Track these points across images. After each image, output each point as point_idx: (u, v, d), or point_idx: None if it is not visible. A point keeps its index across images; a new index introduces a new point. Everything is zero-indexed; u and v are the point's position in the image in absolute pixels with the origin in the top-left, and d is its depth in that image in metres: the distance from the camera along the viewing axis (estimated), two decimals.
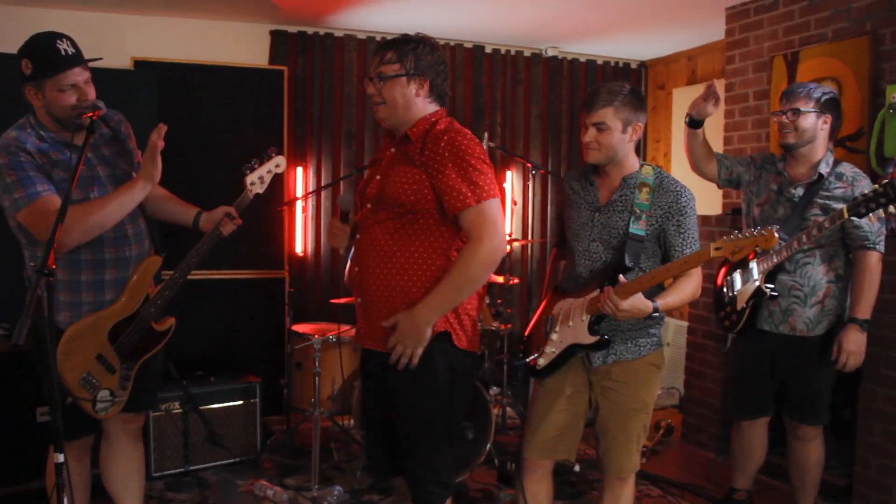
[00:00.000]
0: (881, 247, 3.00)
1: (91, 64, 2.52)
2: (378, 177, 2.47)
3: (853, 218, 2.81)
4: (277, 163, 2.83)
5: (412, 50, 2.38)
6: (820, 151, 3.09)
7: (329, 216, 5.11)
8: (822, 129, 3.07)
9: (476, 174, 2.35)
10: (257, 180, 2.80)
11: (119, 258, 2.59)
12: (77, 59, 2.46)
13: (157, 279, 2.73)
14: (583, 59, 6.02)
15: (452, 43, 5.61)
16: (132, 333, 2.61)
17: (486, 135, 4.85)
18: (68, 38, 2.47)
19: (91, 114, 2.38)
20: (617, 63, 6.15)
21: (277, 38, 5.17)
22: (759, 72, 4.35)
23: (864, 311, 2.99)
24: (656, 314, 2.55)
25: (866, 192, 2.75)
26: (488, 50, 5.71)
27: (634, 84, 6.18)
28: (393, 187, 2.39)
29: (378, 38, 5.40)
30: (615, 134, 2.58)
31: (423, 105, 2.44)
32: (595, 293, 2.57)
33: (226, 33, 5.07)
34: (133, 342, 2.62)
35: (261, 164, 2.81)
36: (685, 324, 4.93)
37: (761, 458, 3.43)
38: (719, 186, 3.47)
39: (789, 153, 3.15)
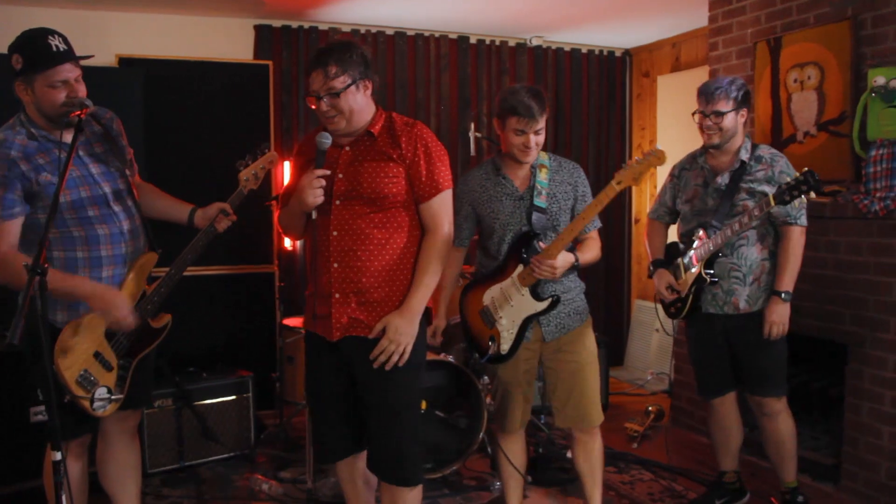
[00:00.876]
0: (803, 220, 3.15)
1: (81, 62, 2.51)
2: (340, 175, 2.52)
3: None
4: (270, 159, 2.86)
5: (351, 57, 2.45)
6: (739, 140, 3.25)
7: None
8: (741, 122, 3.23)
9: (440, 165, 2.58)
10: (251, 176, 2.81)
11: (115, 255, 2.58)
12: (68, 55, 2.44)
13: (148, 278, 2.73)
14: (567, 49, 6.03)
15: (437, 34, 5.61)
16: (129, 332, 2.60)
17: (472, 125, 4.85)
18: (60, 35, 2.46)
19: (79, 112, 2.37)
20: (601, 51, 6.17)
21: (262, 32, 5.16)
22: (742, 58, 4.38)
23: (787, 283, 3.15)
24: (577, 264, 2.90)
25: (789, 180, 2.92)
26: (473, 40, 5.72)
27: (619, 72, 6.23)
28: (370, 182, 2.49)
29: (362, 30, 5.39)
30: (544, 134, 2.93)
31: (370, 103, 2.55)
32: (519, 268, 2.90)
33: (210, 29, 5.06)
34: (130, 339, 2.62)
35: (254, 159, 2.82)
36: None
37: (739, 434, 3.49)
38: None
39: (713, 149, 3.29)
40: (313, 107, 2.49)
